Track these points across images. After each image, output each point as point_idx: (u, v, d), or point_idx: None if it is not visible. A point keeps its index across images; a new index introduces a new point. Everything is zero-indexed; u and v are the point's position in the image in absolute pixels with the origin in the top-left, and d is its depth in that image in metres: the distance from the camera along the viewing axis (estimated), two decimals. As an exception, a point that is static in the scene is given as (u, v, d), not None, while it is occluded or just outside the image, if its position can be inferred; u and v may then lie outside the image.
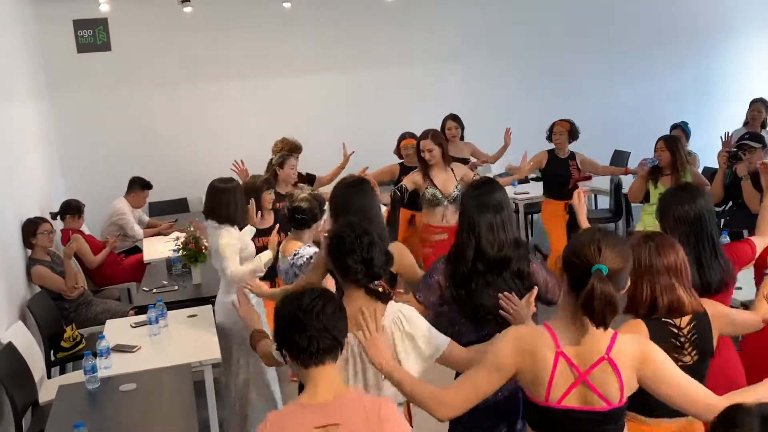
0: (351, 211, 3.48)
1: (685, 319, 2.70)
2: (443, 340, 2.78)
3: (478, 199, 3.26)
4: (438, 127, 6.83)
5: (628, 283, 2.36)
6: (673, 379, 2.31)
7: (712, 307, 2.81)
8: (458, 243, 3.29)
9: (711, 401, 2.27)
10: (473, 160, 7.05)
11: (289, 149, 6.44)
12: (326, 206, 4.37)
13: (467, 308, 3.19)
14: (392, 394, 2.61)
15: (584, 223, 3.70)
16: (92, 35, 8.46)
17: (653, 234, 2.79)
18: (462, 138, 7.33)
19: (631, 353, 2.31)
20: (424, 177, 5.63)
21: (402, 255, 3.68)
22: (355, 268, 2.70)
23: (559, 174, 6.82)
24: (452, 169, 5.67)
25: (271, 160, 6.25)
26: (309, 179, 6.52)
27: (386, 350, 2.50)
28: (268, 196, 5.37)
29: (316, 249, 3.89)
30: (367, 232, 2.74)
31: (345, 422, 2.13)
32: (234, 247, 4.59)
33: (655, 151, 6.03)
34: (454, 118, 7.28)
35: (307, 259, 3.86)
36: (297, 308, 2.23)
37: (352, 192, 3.71)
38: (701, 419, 2.32)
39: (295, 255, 3.96)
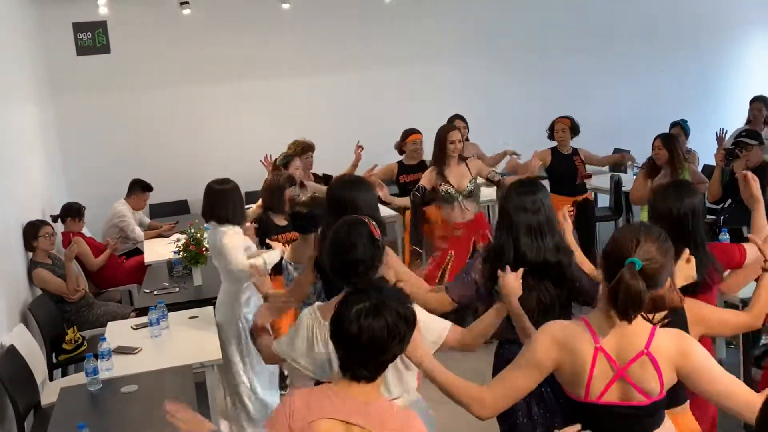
0: (347, 210, 3.47)
1: (659, 315, 2.67)
2: (444, 326, 2.76)
3: (516, 199, 3.18)
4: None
5: (668, 282, 2.28)
6: (713, 375, 2.26)
7: (695, 307, 2.76)
8: (496, 241, 3.22)
9: (752, 398, 2.23)
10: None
11: (302, 149, 6.47)
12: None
13: None
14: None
15: (573, 244, 3.68)
16: (92, 38, 8.48)
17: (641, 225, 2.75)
18: (467, 138, 7.31)
19: (671, 348, 2.26)
20: (438, 174, 5.59)
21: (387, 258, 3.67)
22: (339, 270, 2.69)
23: (565, 170, 6.81)
24: (467, 165, 5.65)
25: (276, 160, 6.25)
26: (325, 180, 6.52)
27: (424, 347, 2.48)
28: (291, 193, 5.38)
29: None
30: (349, 234, 2.73)
31: (368, 427, 2.07)
32: (237, 242, 4.62)
33: (652, 149, 6.04)
34: (461, 117, 7.25)
35: None
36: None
37: (349, 191, 3.70)
38: (741, 417, 2.27)
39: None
